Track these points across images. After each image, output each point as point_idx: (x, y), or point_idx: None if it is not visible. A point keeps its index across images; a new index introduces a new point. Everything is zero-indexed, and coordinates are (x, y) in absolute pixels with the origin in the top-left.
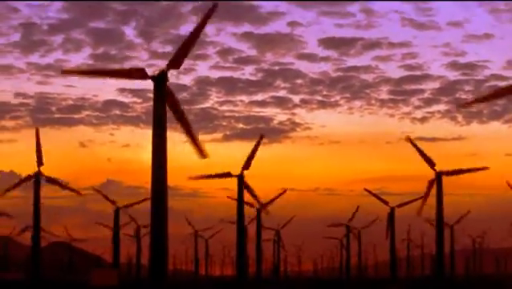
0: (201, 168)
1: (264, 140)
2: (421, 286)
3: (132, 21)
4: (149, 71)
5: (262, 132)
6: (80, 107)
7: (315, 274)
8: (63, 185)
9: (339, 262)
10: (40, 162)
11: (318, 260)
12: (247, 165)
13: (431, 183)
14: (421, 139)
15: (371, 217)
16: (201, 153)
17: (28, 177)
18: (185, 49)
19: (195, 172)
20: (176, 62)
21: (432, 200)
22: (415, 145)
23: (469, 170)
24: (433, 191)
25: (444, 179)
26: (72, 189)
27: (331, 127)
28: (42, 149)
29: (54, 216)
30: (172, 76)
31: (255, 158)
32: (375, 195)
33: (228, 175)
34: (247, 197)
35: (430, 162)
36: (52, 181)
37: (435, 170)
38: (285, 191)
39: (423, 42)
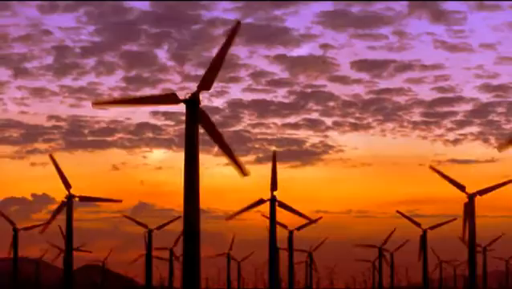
0: (233, 190)
1: (297, 163)
2: None
3: (165, 44)
4: (181, 94)
5: (295, 155)
6: (113, 129)
7: None
8: (100, 199)
9: (372, 285)
10: (68, 185)
11: (350, 282)
12: (274, 186)
13: (466, 206)
14: (454, 161)
15: (403, 239)
16: (243, 172)
17: (62, 203)
18: (214, 70)
19: (227, 194)
20: (206, 83)
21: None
22: (440, 173)
23: (499, 185)
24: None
25: (479, 201)
26: (110, 200)
27: (363, 149)
28: (75, 172)
29: (87, 238)
30: (205, 99)
31: (287, 180)
32: (407, 217)
33: (260, 202)
34: (280, 217)
35: (459, 186)
36: (86, 199)
37: (466, 193)
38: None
39: (455, 65)
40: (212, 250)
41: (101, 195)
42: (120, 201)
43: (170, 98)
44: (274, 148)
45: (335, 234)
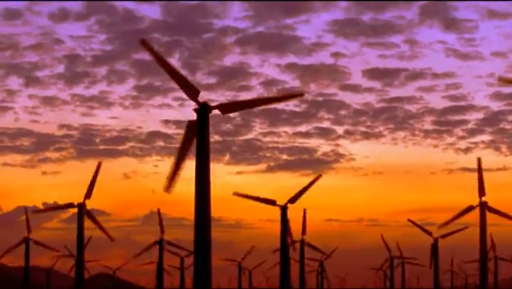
0: (244, 199)
1: (308, 172)
2: None
3: (176, 52)
4: (192, 103)
5: (306, 163)
6: (124, 138)
7: None
8: (99, 225)
9: None
10: (88, 195)
11: None
12: (294, 199)
13: (468, 209)
14: (465, 169)
15: (415, 247)
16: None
17: (68, 205)
18: (242, 106)
19: (239, 203)
20: (227, 109)
21: (475, 230)
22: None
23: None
24: (477, 222)
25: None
26: (105, 232)
27: (374, 158)
28: (86, 181)
29: (98, 247)
30: None
31: (299, 189)
32: (418, 226)
33: (272, 202)
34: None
35: (481, 191)
36: (91, 216)
37: (481, 199)
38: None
39: (467, 73)
40: (223, 258)
41: (113, 204)
42: (113, 239)
43: (192, 91)
44: (285, 156)
45: (346, 243)
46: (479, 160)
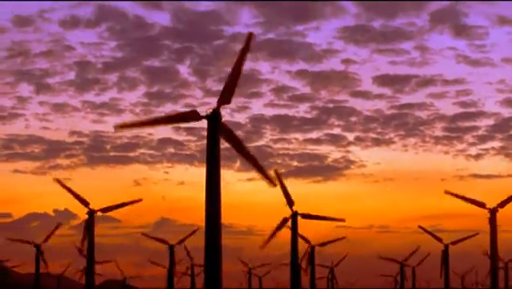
0: (255, 205)
1: (319, 178)
2: None
3: (187, 59)
4: (202, 110)
5: (316, 170)
6: (135, 145)
7: None
8: (120, 204)
9: None
10: (85, 202)
11: None
12: (290, 202)
13: (491, 220)
14: (476, 176)
15: (425, 254)
16: (271, 182)
17: (87, 220)
18: (232, 83)
19: (249, 210)
20: (225, 97)
21: (486, 236)
22: (457, 195)
23: None
24: (487, 228)
25: (501, 216)
26: (131, 202)
27: (385, 164)
28: (97, 188)
29: (109, 254)
30: (227, 114)
31: (310, 195)
32: (429, 232)
33: (285, 221)
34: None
35: (479, 204)
36: (106, 209)
37: (488, 208)
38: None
39: (477, 79)
40: (233, 265)
41: (123, 211)
42: (140, 200)
43: (192, 115)
44: (295, 163)
45: (356, 249)
46: (447, 192)
